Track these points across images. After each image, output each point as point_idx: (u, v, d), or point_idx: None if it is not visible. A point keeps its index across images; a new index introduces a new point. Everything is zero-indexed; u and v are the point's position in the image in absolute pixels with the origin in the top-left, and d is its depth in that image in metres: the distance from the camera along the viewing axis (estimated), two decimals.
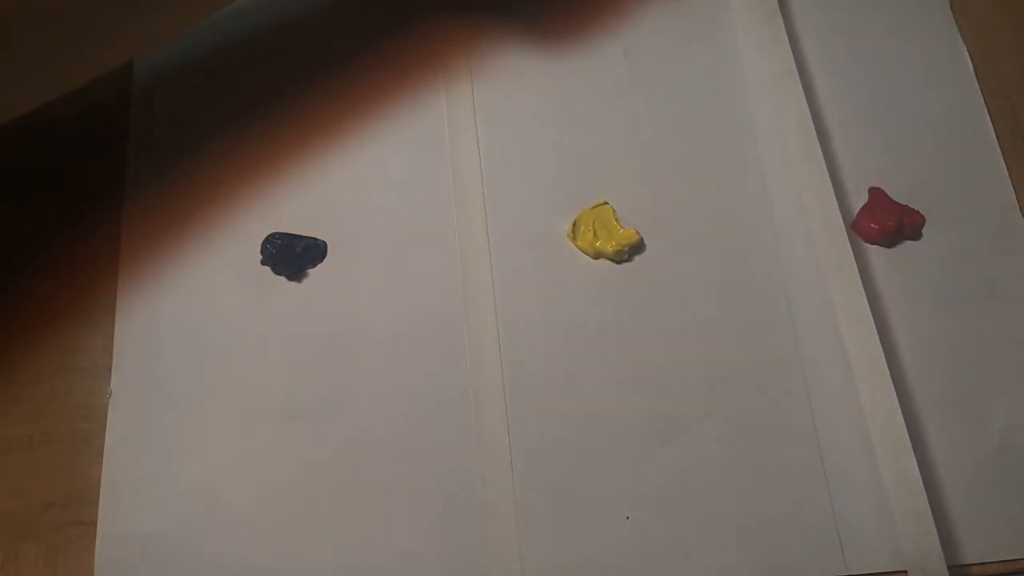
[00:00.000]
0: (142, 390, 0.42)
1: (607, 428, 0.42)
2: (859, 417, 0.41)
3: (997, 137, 0.49)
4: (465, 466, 0.41)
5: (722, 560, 0.40)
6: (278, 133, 0.47)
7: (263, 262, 0.44)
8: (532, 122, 0.48)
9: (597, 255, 0.45)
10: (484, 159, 0.47)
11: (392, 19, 0.50)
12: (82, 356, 0.43)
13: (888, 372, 0.41)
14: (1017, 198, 0.47)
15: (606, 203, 0.46)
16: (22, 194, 0.46)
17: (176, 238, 0.45)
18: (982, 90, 0.50)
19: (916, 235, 0.46)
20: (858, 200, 0.47)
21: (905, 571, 0.39)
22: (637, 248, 0.45)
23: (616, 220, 0.45)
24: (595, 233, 0.45)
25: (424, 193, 0.46)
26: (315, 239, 0.45)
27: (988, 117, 0.49)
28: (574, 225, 0.46)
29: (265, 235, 0.44)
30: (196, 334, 0.43)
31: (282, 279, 0.44)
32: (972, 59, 0.50)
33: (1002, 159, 0.48)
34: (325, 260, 0.45)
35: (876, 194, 0.47)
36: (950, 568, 0.39)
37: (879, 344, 0.42)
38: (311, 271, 0.44)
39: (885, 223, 0.46)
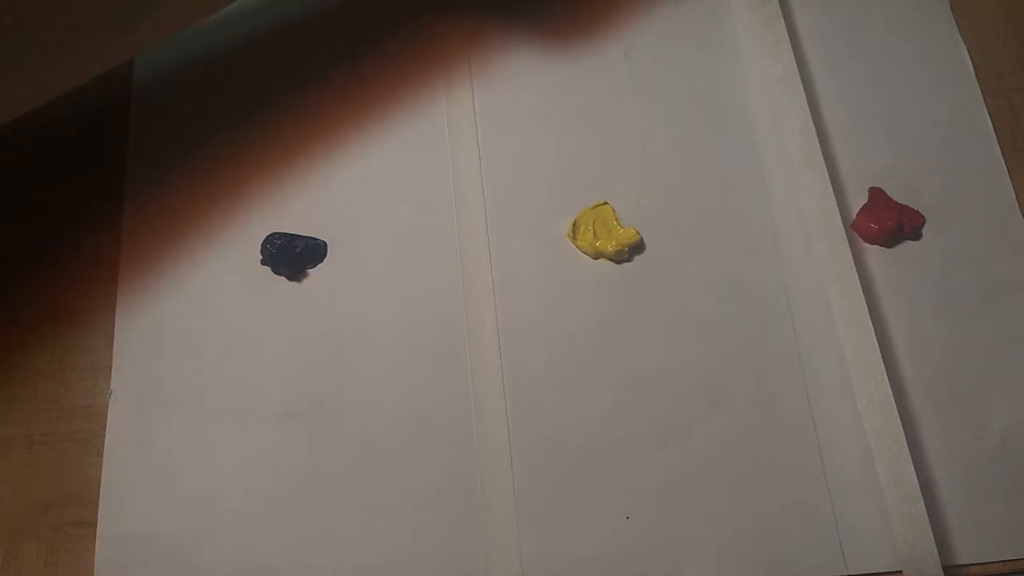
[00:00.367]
0: (142, 390, 0.42)
1: (607, 428, 0.42)
2: (858, 420, 0.41)
3: (997, 137, 0.49)
4: (465, 466, 0.41)
5: (722, 560, 0.40)
6: (278, 133, 0.47)
7: (263, 262, 0.44)
8: (532, 122, 0.48)
9: (597, 255, 0.45)
10: (484, 159, 0.47)
11: (392, 19, 0.50)
12: (82, 356, 0.43)
13: (886, 378, 0.41)
14: (1017, 198, 0.47)
15: (606, 203, 0.46)
16: (22, 194, 0.46)
17: (176, 238, 0.45)
18: (982, 90, 0.50)
19: (916, 235, 0.46)
20: (858, 200, 0.47)
21: (900, 572, 0.39)
22: (637, 248, 0.45)
23: (616, 220, 0.45)
24: (595, 233, 0.45)
25: (424, 193, 0.46)
26: (315, 239, 0.45)
27: (988, 117, 0.49)
28: (574, 225, 0.46)
29: (265, 235, 0.44)
30: (196, 334, 0.43)
31: (282, 279, 0.44)
32: (972, 59, 0.50)
33: (1002, 159, 0.48)
34: (325, 260, 0.45)
35: (876, 194, 0.47)
36: (948, 568, 0.39)
37: (878, 351, 0.42)
38: (311, 271, 0.44)
39: (885, 223, 0.46)
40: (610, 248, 0.45)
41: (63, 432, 0.41)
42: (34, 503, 0.40)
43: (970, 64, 0.50)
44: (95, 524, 0.40)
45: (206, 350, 0.43)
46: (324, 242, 0.45)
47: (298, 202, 0.46)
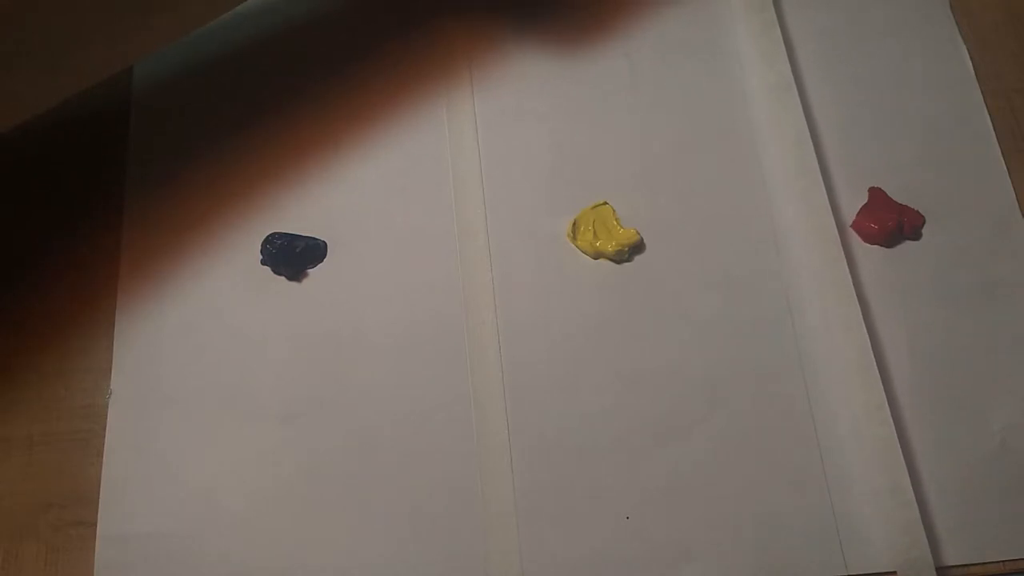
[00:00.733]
0: (142, 390, 0.42)
1: (607, 428, 0.42)
2: (856, 423, 0.41)
3: (997, 137, 0.49)
4: (465, 466, 0.41)
5: (722, 560, 0.40)
6: (278, 137, 0.47)
7: (263, 262, 0.44)
8: (532, 123, 0.48)
9: (597, 255, 0.45)
10: (484, 159, 0.47)
11: (392, 21, 0.50)
12: (82, 357, 0.43)
13: (881, 386, 0.42)
14: (1017, 198, 0.47)
15: (606, 203, 0.46)
16: (23, 195, 0.46)
17: (176, 239, 0.45)
18: (982, 90, 0.50)
19: (916, 235, 0.46)
20: (858, 200, 0.47)
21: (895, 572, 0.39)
22: (637, 248, 0.45)
23: (616, 220, 0.46)
24: (595, 233, 0.45)
25: (424, 193, 0.46)
26: (315, 239, 0.45)
27: (988, 117, 0.49)
28: (574, 225, 0.46)
29: (265, 235, 0.44)
30: (196, 334, 0.43)
31: (282, 279, 0.44)
32: (972, 59, 0.50)
33: (1002, 159, 0.48)
34: (325, 260, 0.45)
35: (876, 194, 0.47)
36: (948, 569, 0.39)
37: (873, 360, 0.42)
38: (311, 271, 0.45)
39: (885, 223, 0.46)
40: (610, 248, 0.45)
41: (63, 432, 0.41)
42: (34, 503, 0.40)
43: (970, 64, 0.50)
44: (95, 524, 0.40)
45: (206, 350, 0.43)
46: (324, 242, 0.45)
47: (298, 202, 0.46)
